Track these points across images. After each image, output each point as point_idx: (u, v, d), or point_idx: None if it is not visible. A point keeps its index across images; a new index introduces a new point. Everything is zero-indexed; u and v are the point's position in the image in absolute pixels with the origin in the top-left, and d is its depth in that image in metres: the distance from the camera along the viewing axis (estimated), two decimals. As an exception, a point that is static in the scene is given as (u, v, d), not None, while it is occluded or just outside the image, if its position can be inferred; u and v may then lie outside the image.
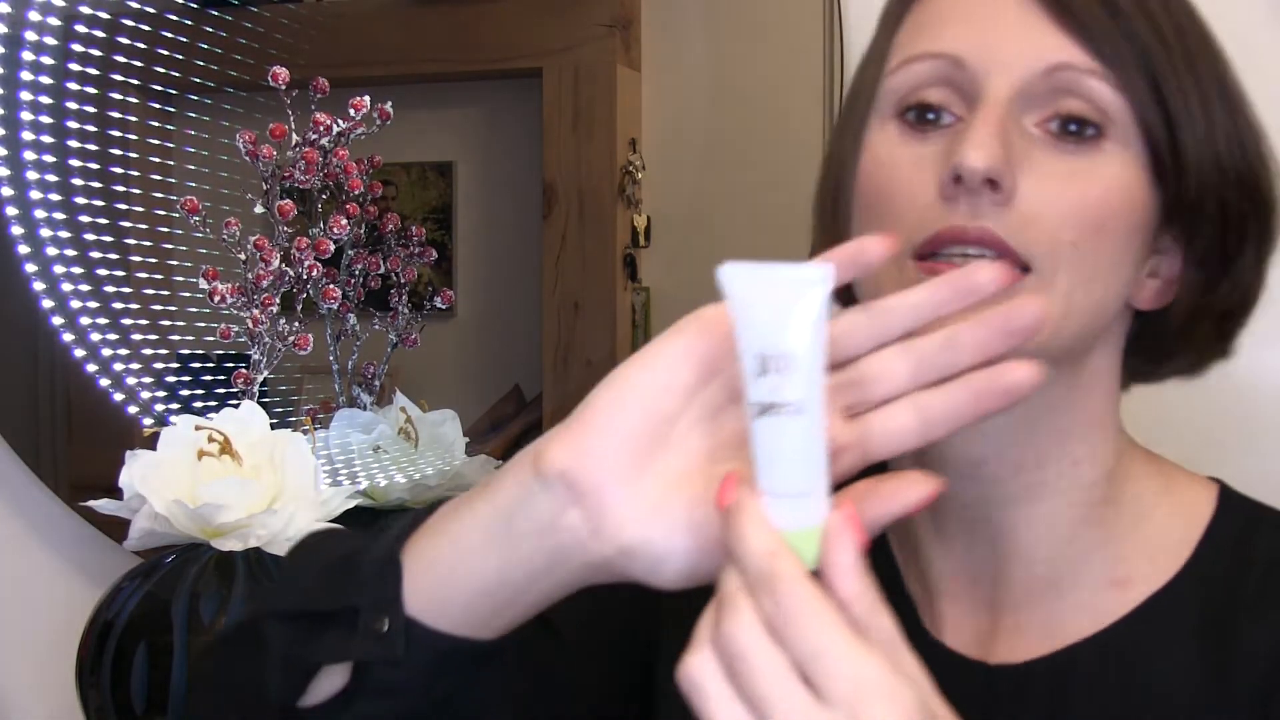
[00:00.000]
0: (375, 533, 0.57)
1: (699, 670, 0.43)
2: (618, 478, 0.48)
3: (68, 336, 1.13)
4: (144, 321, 1.16)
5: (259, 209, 1.08)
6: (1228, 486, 0.66)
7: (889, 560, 0.68)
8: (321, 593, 0.55)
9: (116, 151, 1.14)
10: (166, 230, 1.17)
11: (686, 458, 0.49)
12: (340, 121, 1.09)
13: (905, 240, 0.57)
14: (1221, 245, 0.61)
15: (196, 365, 1.17)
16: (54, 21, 1.11)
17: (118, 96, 1.14)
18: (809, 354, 0.43)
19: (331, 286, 1.11)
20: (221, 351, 1.16)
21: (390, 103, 1.11)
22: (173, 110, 1.18)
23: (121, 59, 1.14)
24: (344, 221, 1.11)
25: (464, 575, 0.52)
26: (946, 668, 0.48)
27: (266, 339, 1.05)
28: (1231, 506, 0.64)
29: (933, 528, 0.65)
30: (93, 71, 1.13)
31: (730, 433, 0.49)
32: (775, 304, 0.43)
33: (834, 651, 0.41)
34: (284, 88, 1.08)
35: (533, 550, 0.50)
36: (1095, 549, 0.63)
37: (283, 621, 0.55)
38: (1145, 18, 0.59)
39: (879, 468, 0.48)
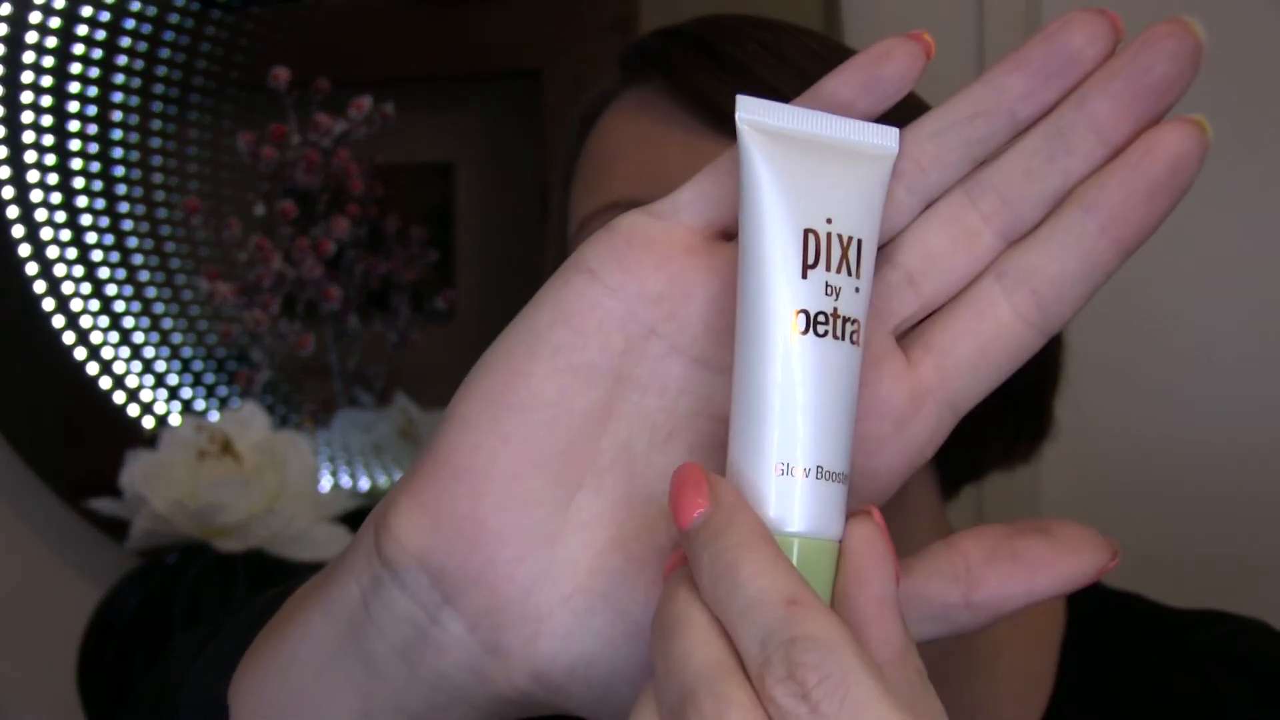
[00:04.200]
0: (234, 623, 0.39)
1: None
2: (515, 550, 0.28)
3: (68, 337, 1.13)
4: (144, 321, 1.16)
5: (260, 210, 1.08)
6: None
7: None
8: None
9: (118, 152, 1.14)
10: (167, 230, 1.17)
11: (631, 487, 0.29)
12: (341, 122, 1.09)
13: None
14: None
15: (197, 365, 1.17)
16: (54, 22, 1.11)
17: (119, 97, 1.14)
18: (873, 247, 0.29)
19: (332, 287, 1.11)
20: (222, 352, 1.16)
21: (391, 104, 1.11)
22: (174, 111, 1.18)
23: (122, 59, 1.14)
24: (345, 222, 1.11)
25: None
26: None
27: (267, 339, 1.05)
28: (1080, 614, 0.56)
29: None
30: (94, 72, 1.13)
31: (705, 428, 0.30)
32: (848, 156, 0.28)
33: None
34: (284, 88, 1.08)
35: (404, 682, 0.31)
36: (952, 699, 0.48)
37: None
38: None
39: None
